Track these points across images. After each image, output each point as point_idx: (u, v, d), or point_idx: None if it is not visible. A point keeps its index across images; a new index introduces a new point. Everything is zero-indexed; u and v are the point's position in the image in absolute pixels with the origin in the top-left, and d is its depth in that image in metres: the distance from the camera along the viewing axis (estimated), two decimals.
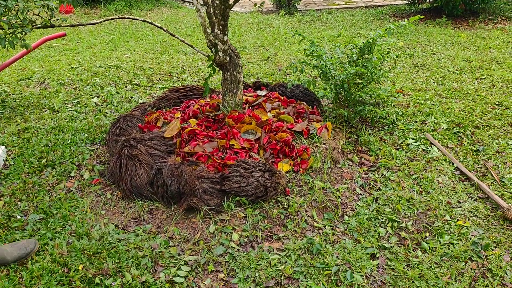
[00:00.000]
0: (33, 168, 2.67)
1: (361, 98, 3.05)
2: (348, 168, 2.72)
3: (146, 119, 3.06)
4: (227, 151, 2.53)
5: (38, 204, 2.34)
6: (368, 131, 3.14)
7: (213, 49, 2.74)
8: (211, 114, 2.75)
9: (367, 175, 2.66)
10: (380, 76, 3.19)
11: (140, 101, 3.82)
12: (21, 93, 4.05)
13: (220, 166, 2.43)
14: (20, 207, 2.32)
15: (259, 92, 3.28)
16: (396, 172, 2.67)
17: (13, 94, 4.04)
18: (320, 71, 3.05)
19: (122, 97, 3.92)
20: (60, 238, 2.08)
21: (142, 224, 2.25)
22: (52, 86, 4.22)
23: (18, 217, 2.24)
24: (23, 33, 2.55)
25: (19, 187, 2.48)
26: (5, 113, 3.58)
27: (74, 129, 3.21)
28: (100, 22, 2.52)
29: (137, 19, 2.65)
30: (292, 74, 4.49)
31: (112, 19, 2.55)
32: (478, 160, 2.77)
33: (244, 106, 3.01)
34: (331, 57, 3.15)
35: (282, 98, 3.19)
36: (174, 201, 2.32)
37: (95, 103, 3.79)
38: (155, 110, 3.30)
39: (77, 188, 2.52)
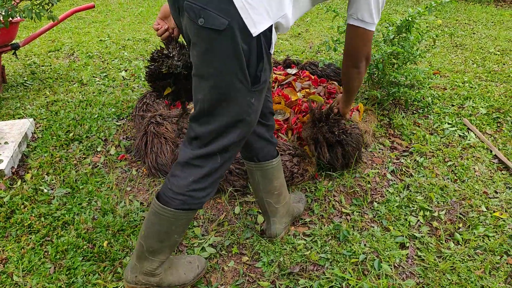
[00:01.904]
0: (60, 141, 2.68)
1: (395, 79, 2.91)
2: (379, 152, 2.62)
3: None
4: None
5: (64, 178, 2.35)
6: (401, 114, 3.02)
7: None
8: None
9: (398, 161, 2.55)
10: (418, 57, 3.04)
11: None
12: (50, 65, 4.07)
13: None
14: (47, 180, 2.33)
15: (289, 71, 3.18)
16: (430, 158, 2.56)
17: (42, 66, 4.06)
18: None
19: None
20: (85, 214, 2.08)
21: None
22: (81, 59, 4.23)
23: (45, 190, 2.26)
24: (50, 4, 2.51)
25: (46, 160, 2.49)
26: (34, 84, 3.61)
27: (101, 103, 3.20)
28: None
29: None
30: (324, 52, 4.34)
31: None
32: None
33: (273, 85, 2.93)
34: None
35: (312, 77, 3.08)
36: None
37: (122, 77, 3.77)
38: None
39: (103, 163, 2.51)
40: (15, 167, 2.43)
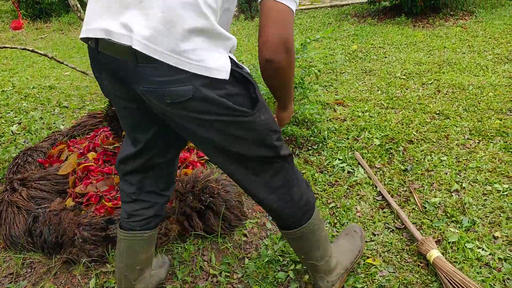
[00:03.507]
0: None
1: None
2: None
3: (51, 152, 2.81)
4: None
5: None
6: (295, 152, 2.92)
7: None
8: (110, 147, 2.51)
9: None
10: (307, 91, 2.98)
11: (62, 127, 3.57)
12: None
13: (110, 208, 2.19)
14: None
15: None
16: None
17: None
18: None
19: (44, 123, 3.67)
20: None
21: (17, 280, 2.01)
22: None
23: None
24: None
25: None
26: None
27: None
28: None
29: (18, 48, 2.41)
30: None
31: (4, 47, 2.31)
32: (404, 182, 2.55)
33: None
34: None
35: None
36: (56, 252, 2.08)
37: (12, 132, 3.54)
38: (67, 139, 3.05)
39: None
40: None
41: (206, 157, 2.58)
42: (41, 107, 4.07)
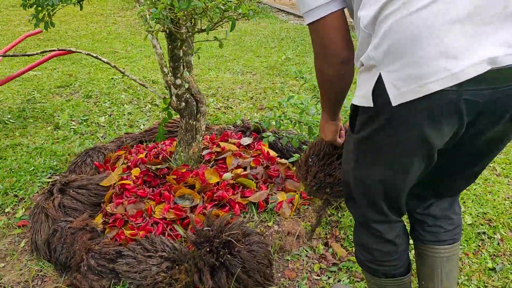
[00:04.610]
0: None
1: None
2: (301, 261, 2.12)
3: (109, 155, 2.79)
4: (148, 218, 2.13)
5: None
6: None
7: (168, 91, 2.37)
8: (153, 167, 2.36)
9: (319, 278, 2.04)
10: None
11: (142, 126, 3.58)
12: (46, 102, 4.10)
13: (129, 238, 2.04)
14: None
15: (243, 140, 2.80)
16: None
17: (38, 103, 4.11)
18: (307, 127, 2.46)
19: (129, 119, 3.74)
20: None
21: None
22: (78, 98, 4.22)
23: None
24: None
25: None
26: (15, 123, 3.63)
27: (52, 153, 3.08)
28: (37, 54, 2.30)
29: (80, 52, 2.38)
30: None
31: (50, 50, 2.32)
32: (486, 285, 1.96)
33: (209, 158, 2.57)
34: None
35: (265, 151, 2.66)
36: (66, 271, 2.00)
37: (97, 123, 3.66)
38: (134, 144, 3.01)
39: (2, 227, 2.34)
40: None
41: (249, 199, 2.29)
42: (135, 101, 4.17)
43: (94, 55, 2.32)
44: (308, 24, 1.18)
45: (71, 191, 2.30)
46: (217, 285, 1.86)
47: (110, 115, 3.84)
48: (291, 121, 2.40)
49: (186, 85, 2.34)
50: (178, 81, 2.29)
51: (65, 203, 2.23)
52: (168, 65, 2.29)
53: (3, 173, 2.79)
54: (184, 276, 1.87)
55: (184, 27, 2.02)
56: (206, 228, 1.99)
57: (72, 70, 5.12)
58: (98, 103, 4.12)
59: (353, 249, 2.20)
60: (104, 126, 3.61)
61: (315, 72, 1.27)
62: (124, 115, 3.84)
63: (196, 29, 2.09)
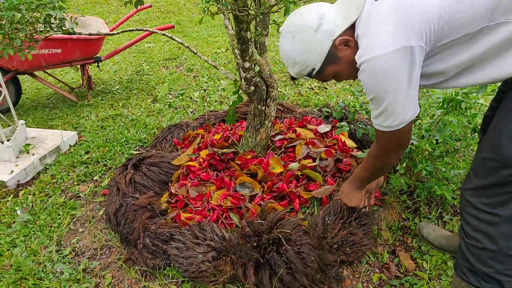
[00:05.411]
0: (74, 162, 2.85)
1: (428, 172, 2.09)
2: (360, 268, 1.95)
3: (188, 133, 2.85)
4: (205, 204, 2.14)
5: (35, 204, 2.49)
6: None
7: (238, 74, 2.31)
8: (219, 151, 2.34)
9: (381, 286, 1.85)
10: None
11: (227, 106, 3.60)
12: (152, 75, 4.36)
13: (185, 221, 2.08)
14: (26, 202, 2.52)
15: (321, 127, 2.63)
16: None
17: (146, 74, 4.38)
18: None
19: (220, 95, 3.78)
20: (18, 248, 2.17)
21: (94, 258, 2.14)
22: (181, 71, 4.40)
23: (18, 212, 2.44)
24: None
25: (47, 180, 2.69)
26: (122, 94, 3.93)
27: (144, 125, 3.26)
28: (118, 33, 2.39)
29: (157, 32, 2.41)
30: None
31: (130, 30, 2.39)
32: None
33: (280, 144, 2.47)
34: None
35: (343, 141, 2.47)
36: (127, 245, 2.12)
37: (191, 97, 3.77)
38: (216, 122, 3.03)
39: (88, 194, 2.57)
40: (23, 181, 2.70)
41: (313, 193, 2.15)
42: (231, 77, 4.20)
43: (169, 35, 2.35)
44: (390, 131, 1.30)
45: (144, 167, 2.41)
46: (260, 282, 1.80)
47: (205, 90, 3.93)
48: (367, 112, 2.16)
49: (257, 68, 2.25)
50: (247, 64, 2.21)
51: (136, 179, 2.34)
52: (236, 48, 2.21)
53: (100, 142, 3.05)
54: (229, 268, 1.85)
55: (248, 10, 1.92)
56: (258, 221, 1.94)
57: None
58: (197, 77, 4.25)
59: (423, 262, 1.96)
60: (196, 101, 3.71)
61: (376, 161, 1.47)
62: (218, 90, 3.89)
63: (262, 9, 1.96)
